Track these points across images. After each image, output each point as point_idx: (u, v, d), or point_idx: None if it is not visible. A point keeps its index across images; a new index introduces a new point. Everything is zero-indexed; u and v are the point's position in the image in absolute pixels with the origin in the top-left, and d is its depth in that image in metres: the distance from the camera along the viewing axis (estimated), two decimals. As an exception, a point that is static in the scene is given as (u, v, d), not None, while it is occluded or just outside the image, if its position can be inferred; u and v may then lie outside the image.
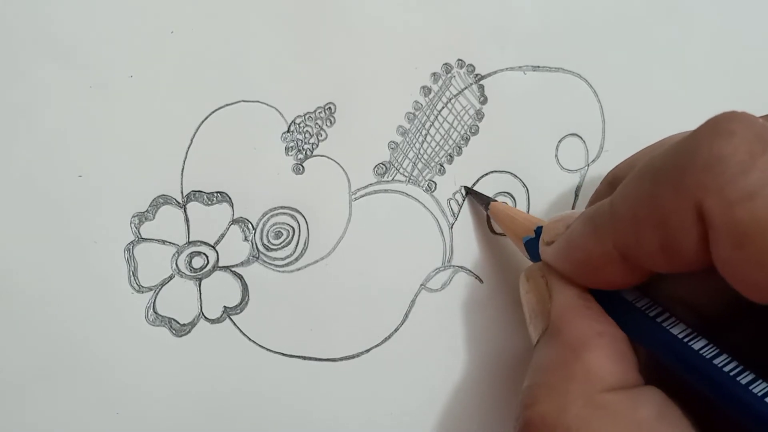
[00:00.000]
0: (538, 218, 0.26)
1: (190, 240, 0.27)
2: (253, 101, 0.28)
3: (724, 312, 0.22)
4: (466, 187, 0.29)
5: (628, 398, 0.19)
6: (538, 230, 0.24)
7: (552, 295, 0.22)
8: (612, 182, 0.25)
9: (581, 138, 0.30)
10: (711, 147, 0.17)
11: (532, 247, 0.25)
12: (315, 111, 0.28)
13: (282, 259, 0.28)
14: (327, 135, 0.28)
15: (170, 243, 0.27)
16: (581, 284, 0.22)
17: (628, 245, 0.19)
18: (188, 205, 0.27)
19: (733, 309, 0.22)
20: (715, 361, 0.19)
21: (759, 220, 0.16)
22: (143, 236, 0.27)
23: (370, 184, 0.29)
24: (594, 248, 0.20)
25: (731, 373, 0.18)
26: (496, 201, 0.28)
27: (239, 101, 0.28)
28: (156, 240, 0.27)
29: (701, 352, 0.19)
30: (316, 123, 0.28)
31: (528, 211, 0.30)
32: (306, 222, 0.28)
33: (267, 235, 0.28)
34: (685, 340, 0.20)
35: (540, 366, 0.21)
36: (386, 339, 0.28)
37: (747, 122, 0.17)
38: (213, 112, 0.27)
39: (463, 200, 0.29)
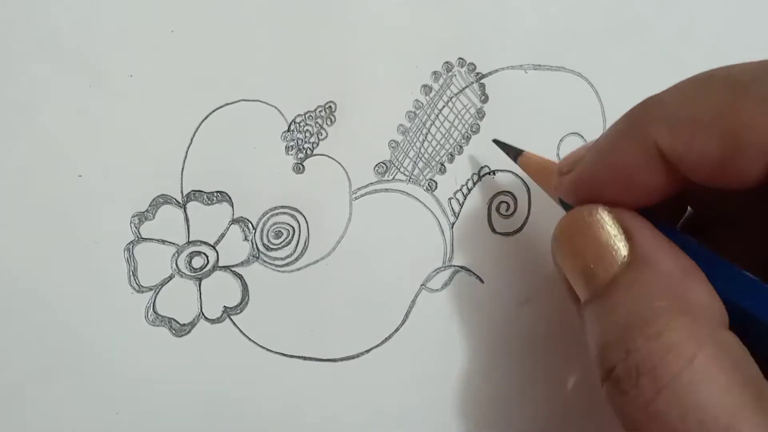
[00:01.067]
0: None
1: (190, 240, 0.27)
2: (253, 100, 0.28)
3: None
4: (495, 140, 0.29)
5: (738, 344, 0.18)
6: None
7: (632, 230, 0.20)
8: None
9: (582, 137, 0.30)
10: None
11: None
12: (315, 110, 0.28)
13: (282, 258, 0.28)
14: (327, 134, 0.28)
15: (170, 243, 0.27)
16: (609, 201, 0.20)
17: (675, 146, 0.18)
18: (188, 205, 0.27)
19: None
20: None
21: None
22: (143, 236, 0.27)
23: (371, 184, 0.29)
24: (630, 145, 0.19)
25: None
26: (525, 151, 0.27)
27: (239, 100, 0.28)
28: (156, 240, 0.27)
29: None
30: (317, 122, 0.28)
31: (529, 211, 0.29)
32: (306, 222, 0.28)
33: (267, 235, 0.28)
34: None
35: (640, 297, 0.18)
36: (386, 339, 0.28)
37: None
38: (213, 111, 0.27)
39: (464, 199, 0.29)
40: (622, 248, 0.19)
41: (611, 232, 0.20)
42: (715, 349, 0.17)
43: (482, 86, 0.30)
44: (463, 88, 0.29)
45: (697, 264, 0.19)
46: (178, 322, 0.27)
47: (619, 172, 0.20)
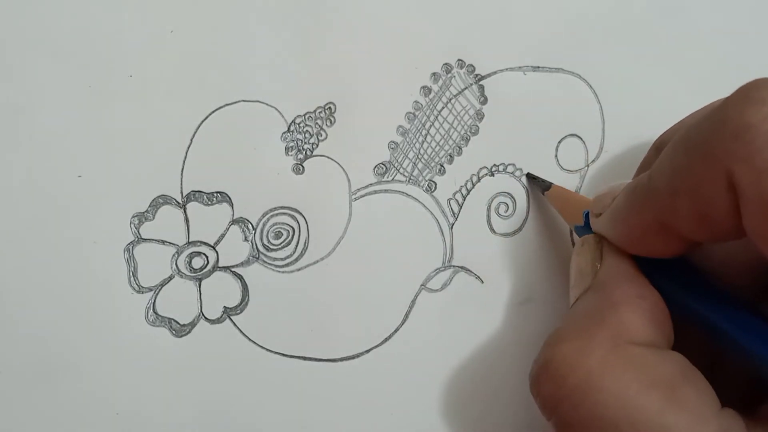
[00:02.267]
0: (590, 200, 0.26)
1: (190, 240, 0.27)
2: (253, 101, 0.28)
3: (763, 284, 0.22)
4: (527, 174, 0.29)
5: (653, 354, 0.19)
6: (587, 215, 0.25)
7: (603, 258, 0.22)
8: (659, 148, 0.25)
9: (581, 138, 0.30)
10: (741, 115, 0.17)
11: (581, 233, 0.25)
12: (315, 111, 0.28)
13: (282, 259, 0.28)
14: (327, 135, 0.28)
15: (170, 243, 0.27)
16: (630, 252, 0.22)
17: (666, 217, 0.19)
18: (188, 205, 0.27)
19: None
20: None
21: None
22: (143, 236, 0.27)
23: (370, 184, 0.29)
24: (635, 221, 0.21)
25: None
26: (553, 185, 0.28)
27: (239, 101, 0.28)
28: (156, 240, 0.27)
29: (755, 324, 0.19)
30: (316, 123, 0.28)
31: (527, 212, 0.30)
32: (306, 222, 0.28)
33: (267, 236, 0.28)
34: (736, 310, 0.20)
35: (574, 313, 0.21)
36: (386, 339, 0.28)
37: None
38: (213, 111, 0.27)
39: (464, 200, 0.29)
40: (592, 274, 0.22)
41: (590, 260, 0.23)
42: (615, 361, 0.19)
43: (481, 88, 0.30)
44: (463, 90, 0.29)
45: (673, 290, 0.21)
46: (178, 323, 0.27)
47: (631, 240, 0.22)
